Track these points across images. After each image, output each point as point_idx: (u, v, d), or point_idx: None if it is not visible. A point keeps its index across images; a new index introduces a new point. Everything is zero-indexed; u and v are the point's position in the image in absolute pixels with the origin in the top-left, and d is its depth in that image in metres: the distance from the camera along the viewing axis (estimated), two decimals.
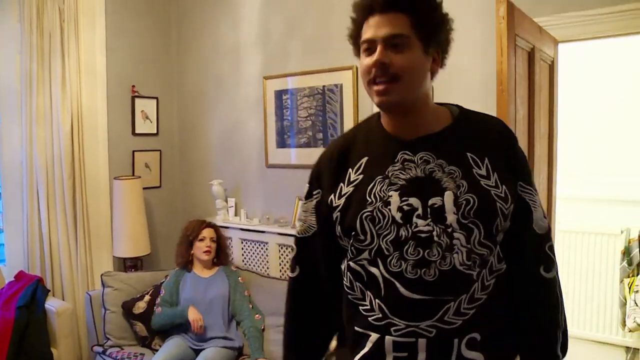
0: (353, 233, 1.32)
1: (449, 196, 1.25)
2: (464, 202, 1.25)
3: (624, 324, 3.89)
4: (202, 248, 3.43)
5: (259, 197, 4.10)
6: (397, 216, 1.27)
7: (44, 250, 3.80)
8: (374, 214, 1.29)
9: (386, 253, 1.27)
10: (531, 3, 2.84)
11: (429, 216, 1.26)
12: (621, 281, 3.97)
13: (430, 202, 1.26)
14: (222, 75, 4.28)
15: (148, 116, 4.43)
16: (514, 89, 2.28)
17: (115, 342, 3.37)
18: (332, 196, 1.38)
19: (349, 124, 3.52)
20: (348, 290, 1.36)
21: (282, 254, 3.77)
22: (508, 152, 1.33)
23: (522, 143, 2.38)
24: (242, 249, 4.00)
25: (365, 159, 1.36)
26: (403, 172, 1.30)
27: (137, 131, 4.35)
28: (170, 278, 3.48)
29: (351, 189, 1.35)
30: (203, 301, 3.32)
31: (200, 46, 4.42)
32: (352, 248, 1.33)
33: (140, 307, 3.45)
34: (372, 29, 1.28)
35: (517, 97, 2.36)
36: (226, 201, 4.18)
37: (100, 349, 3.35)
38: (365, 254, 1.31)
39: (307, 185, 1.49)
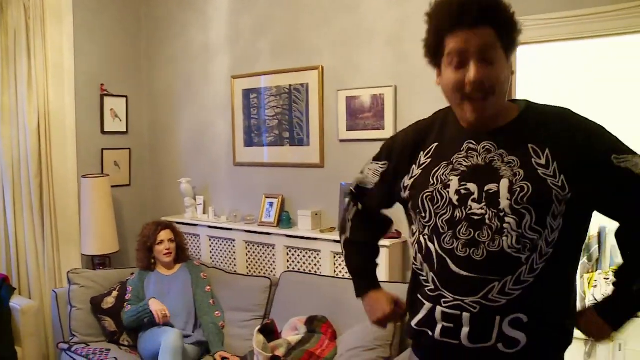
0: (417, 210, 1.45)
1: (504, 183, 1.33)
2: (519, 189, 1.31)
3: None
4: (162, 251, 3.47)
5: (227, 195, 4.14)
6: (454, 198, 1.38)
7: (10, 249, 3.81)
8: (434, 194, 1.41)
9: (441, 231, 1.39)
10: None
11: (483, 200, 1.34)
12: (581, 277, 4.08)
13: (486, 187, 1.35)
14: (192, 74, 4.31)
15: (117, 115, 4.44)
16: None
17: (81, 339, 3.38)
18: (406, 177, 1.51)
19: (314, 123, 3.58)
20: (413, 261, 1.50)
21: (248, 251, 3.81)
22: (578, 142, 1.34)
23: None
24: (210, 246, 4.04)
25: (436, 144, 1.48)
26: (466, 160, 1.40)
27: (106, 129, 4.36)
28: (135, 276, 3.51)
29: (420, 171, 1.48)
30: (167, 298, 3.36)
31: (170, 45, 4.44)
32: (418, 224, 1.47)
33: (109, 302, 3.47)
34: (461, 41, 1.31)
35: None
36: (195, 199, 4.21)
37: (65, 346, 3.36)
38: (426, 230, 1.43)
39: (379, 150, 1.66)
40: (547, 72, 4.24)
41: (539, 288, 1.32)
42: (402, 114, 3.24)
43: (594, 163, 1.33)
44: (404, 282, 3.17)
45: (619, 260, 4.12)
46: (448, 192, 1.39)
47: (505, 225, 1.31)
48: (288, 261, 3.59)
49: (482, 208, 1.34)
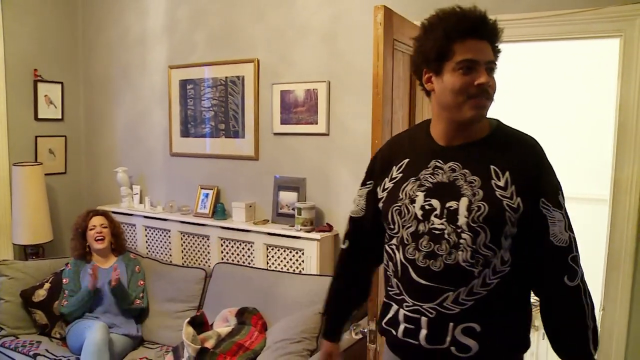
0: (387, 222, 1.58)
1: (464, 201, 1.44)
2: (476, 208, 1.42)
3: None
4: (93, 236, 3.44)
5: (163, 185, 4.13)
6: (419, 213, 1.49)
7: None
8: (402, 208, 1.53)
9: (405, 242, 1.52)
10: (419, 7, 2.98)
11: (444, 216, 1.46)
12: None
13: (447, 204, 1.46)
14: (129, 62, 4.26)
15: (52, 101, 4.35)
16: (391, 91, 2.41)
17: (10, 332, 3.33)
18: (378, 188, 1.64)
19: (249, 116, 3.60)
20: (385, 267, 1.64)
21: (184, 242, 3.82)
22: (533, 172, 1.43)
23: None
24: (146, 236, 4.03)
25: (407, 160, 1.59)
26: (432, 177, 1.51)
27: (40, 116, 4.27)
28: (71, 267, 3.46)
29: (391, 184, 1.59)
30: (103, 291, 3.34)
31: (107, 32, 4.37)
32: (387, 234, 1.61)
33: (40, 295, 3.42)
34: (472, 51, 1.42)
35: (396, 99, 2.48)
36: (131, 188, 4.18)
37: None
38: (394, 240, 1.56)
39: (365, 174, 1.74)
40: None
41: (493, 301, 1.43)
42: (335, 109, 3.29)
43: (534, 198, 1.43)
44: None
45: None
46: (414, 206, 1.50)
47: (461, 241, 1.43)
48: (222, 252, 3.62)
49: (442, 223, 1.45)
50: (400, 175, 1.58)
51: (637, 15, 2.52)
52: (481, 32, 1.43)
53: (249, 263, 3.49)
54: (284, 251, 3.34)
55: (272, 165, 3.56)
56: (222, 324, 3.09)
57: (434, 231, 1.46)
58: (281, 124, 3.47)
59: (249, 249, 3.49)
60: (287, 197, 3.46)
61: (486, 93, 1.43)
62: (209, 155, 3.85)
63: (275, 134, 3.52)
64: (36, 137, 4.25)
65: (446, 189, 1.47)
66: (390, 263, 1.59)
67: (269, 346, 2.82)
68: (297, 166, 3.45)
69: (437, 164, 1.51)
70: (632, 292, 2.63)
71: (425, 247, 1.47)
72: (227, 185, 3.77)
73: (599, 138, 3.98)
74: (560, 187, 1.47)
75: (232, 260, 3.58)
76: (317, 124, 3.33)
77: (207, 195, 3.77)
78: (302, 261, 3.27)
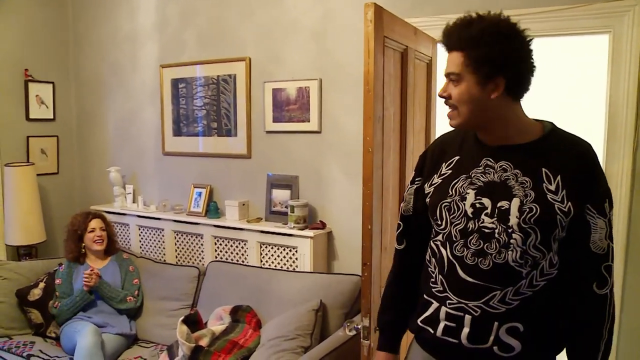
0: (434, 217, 1.58)
1: (515, 202, 1.44)
2: (528, 209, 1.43)
3: None
4: (92, 239, 3.43)
5: (156, 184, 4.13)
6: (469, 211, 1.50)
7: None
8: (451, 205, 1.54)
9: (454, 239, 1.52)
10: (410, 4, 3.00)
11: (495, 215, 1.46)
12: None
13: (499, 204, 1.47)
14: (120, 61, 4.25)
15: (44, 101, 4.34)
16: (382, 88, 2.41)
17: (3, 332, 3.33)
18: (426, 184, 1.64)
19: (242, 114, 3.61)
20: (427, 263, 1.63)
21: (177, 241, 3.82)
22: (583, 177, 1.43)
23: (394, 139, 2.54)
24: (140, 235, 4.03)
25: (457, 157, 1.60)
26: (483, 175, 1.51)
27: (31, 116, 4.25)
28: (64, 268, 3.46)
29: (440, 180, 1.60)
30: (95, 292, 3.34)
31: (98, 31, 4.35)
32: (433, 229, 1.61)
33: (36, 294, 3.42)
34: (447, 65, 1.50)
35: (387, 96, 2.49)
36: (124, 188, 4.18)
37: None
38: (440, 237, 1.57)
39: (414, 171, 1.74)
40: None
41: (538, 302, 1.45)
42: (327, 106, 3.30)
43: (581, 203, 1.43)
44: (327, 273, 3.26)
45: None
46: (464, 204, 1.51)
47: (511, 241, 1.44)
48: (216, 251, 3.63)
49: (493, 222, 1.46)
50: (450, 172, 1.58)
51: (626, 12, 2.55)
52: (450, 44, 1.47)
53: (243, 261, 3.50)
54: (278, 249, 3.35)
55: (264, 164, 3.57)
56: (216, 322, 3.09)
57: (484, 229, 1.47)
58: (273, 122, 3.48)
59: (242, 247, 3.50)
60: (280, 195, 3.47)
61: (447, 104, 1.50)
62: (202, 154, 3.85)
63: (268, 132, 3.53)
64: (28, 137, 4.24)
65: (497, 188, 1.47)
66: (433, 259, 1.59)
67: (263, 344, 2.83)
68: (289, 164, 3.46)
69: (488, 162, 1.51)
70: (623, 290, 2.65)
71: (474, 244, 1.48)
72: (220, 184, 3.77)
73: (589, 133, 4.00)
74: (609, 194, 1.48)
75: (226, 259, 3.58)
76: (309, 121, 3.34)
77: (200, 194, 3.77)
78: (296, 259, 3.27)
